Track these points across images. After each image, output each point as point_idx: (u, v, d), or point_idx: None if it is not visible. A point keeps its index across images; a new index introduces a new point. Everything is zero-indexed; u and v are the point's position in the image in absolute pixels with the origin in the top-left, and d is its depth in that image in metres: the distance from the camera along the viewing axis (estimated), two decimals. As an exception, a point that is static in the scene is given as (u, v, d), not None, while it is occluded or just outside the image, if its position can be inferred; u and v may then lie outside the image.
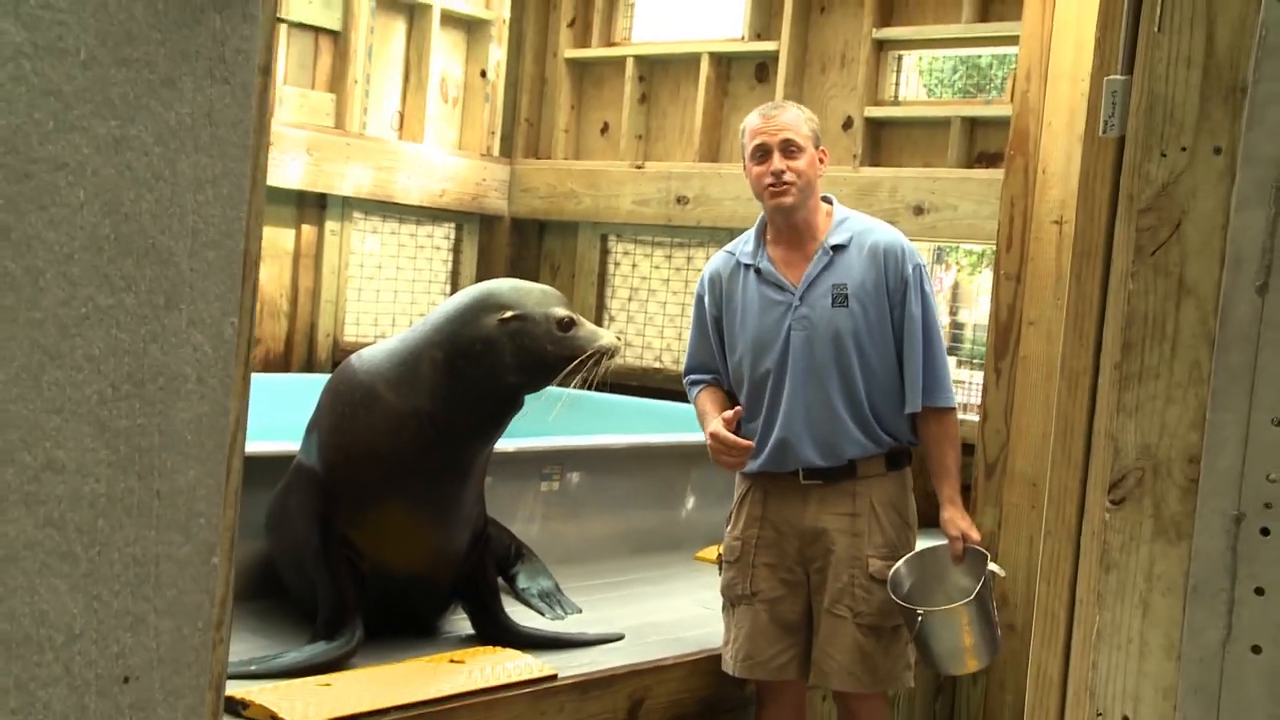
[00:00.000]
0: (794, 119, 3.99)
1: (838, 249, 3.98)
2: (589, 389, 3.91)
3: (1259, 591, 1.72)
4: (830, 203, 4.13)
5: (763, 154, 3.95)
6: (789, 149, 3.93)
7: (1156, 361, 1.85)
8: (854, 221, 4.07)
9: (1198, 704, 1.74)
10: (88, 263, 0.74)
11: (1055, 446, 2.00)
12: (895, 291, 3.96)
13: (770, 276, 4.00)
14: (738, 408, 3.92)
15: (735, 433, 3.86)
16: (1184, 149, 1.83)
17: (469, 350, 3.82)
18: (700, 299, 4.17)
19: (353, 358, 4.04)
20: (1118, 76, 1.91)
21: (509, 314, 3.82)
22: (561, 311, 3.88)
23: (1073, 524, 1.96)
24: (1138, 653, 1.85)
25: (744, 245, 4.12)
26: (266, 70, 0.92)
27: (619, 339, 3.99)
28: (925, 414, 3.99)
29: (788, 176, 3.91)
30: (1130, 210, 1.88)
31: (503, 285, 4.04)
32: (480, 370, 3.80)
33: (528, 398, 4.03)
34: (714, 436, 3.85)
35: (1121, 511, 1.86)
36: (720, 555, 4.15)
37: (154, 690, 0.79)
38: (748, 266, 4.04)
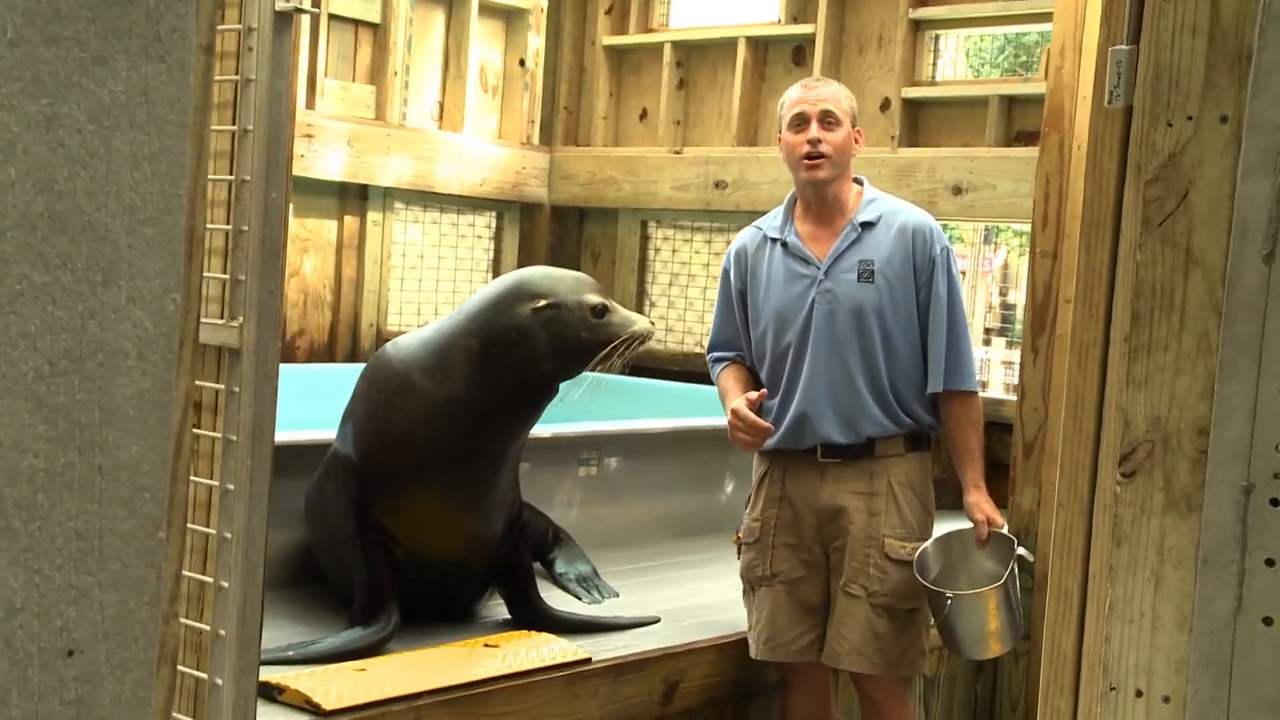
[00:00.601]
0: (834, 93, 4.00)
1: (866, 226, 3.97)
2: (623, 373, 3.93)
3: (1269, 563, 1.70)
4: (861, 184, 4.12)
5: (800, 123, 3.94)
6: (827, 120, 3.93)
7: (1165, 333, 1.83)
8: (884, 202, 4.06)
9: (1209, 676, 1.73)
10: (20, 240, 0.75)
11: (1066, 420, 1.99)
12: (922, 271, 3.95)
13: (796, 250, 3.99)
14: (763, 390, 3.91)
15: (756, 414, 3.87)
16: (1190, 118, 1.82)
17: (503, 338, 3.83)
18: (726, 273, 4.17)
19: (388, 346, 4.07)
20: (1123, 46, 1.90)
21: (543, 302, 3.84)
22: (595, 298, 3.89)
23: (1085, 498, 1.95)
24: (1150, 626, 1.84)
25: (772, 220, 4.12)
26: (209, 49, 0.93)
27: (652, 324, 4.00)
28: (948, 397, 3.97)
29: (823, 148, 3.90)
30: (1138, 181, 1.87)
31: (536, 273, 4.06)
32: (515, 358, 3.82)
33: (562, 384, 4.04)
34: (735, 414, 3.86)
35: (1132, 484, 1.85)
36: (739, 538, 4.14)
37: (99, 664, 0.80)
38: (774, 240, 4.04)
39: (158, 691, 0.96)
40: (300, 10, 2.81)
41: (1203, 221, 1.81)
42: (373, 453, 3.91)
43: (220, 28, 2.90)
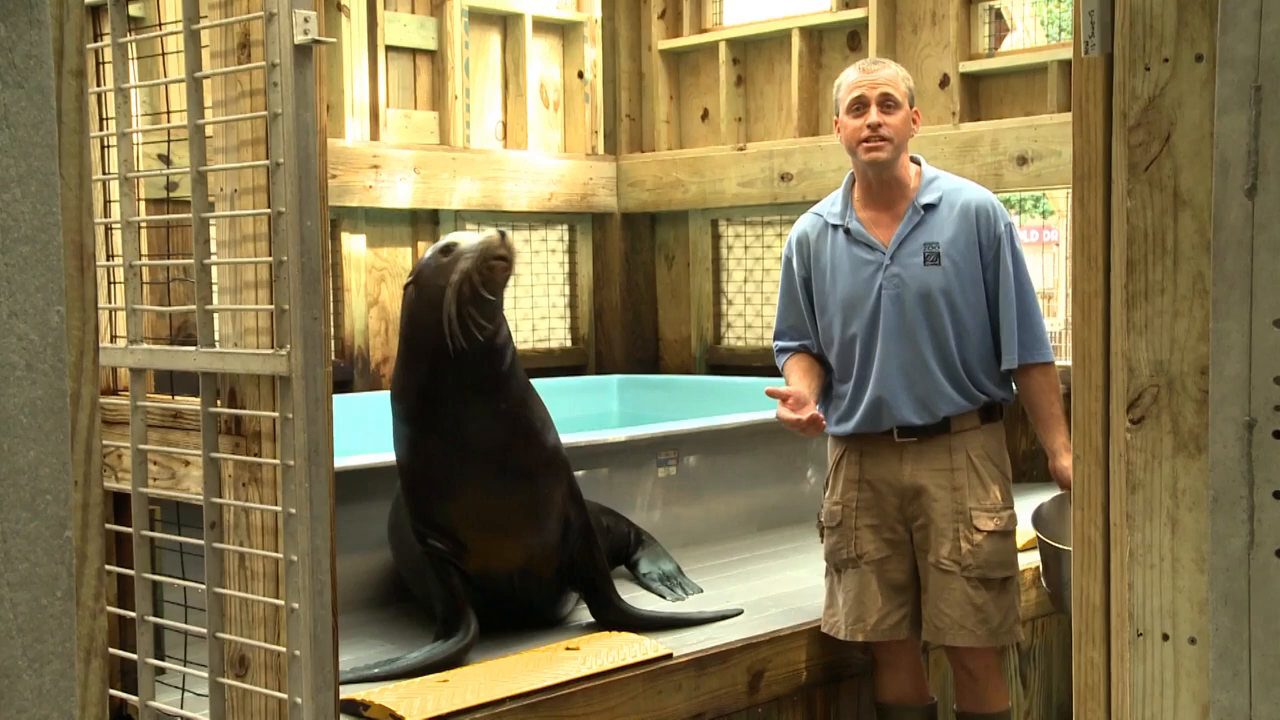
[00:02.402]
0: (892, 75, 3.99)
1: (928, 208, 3.96)
2: (493, 295, 3.90)
3: (1277, 495, 1.70)
4: (919, 164, 4.11)
5: (860, 107, 3.93)
6: (886, 103, 3.92)
7: (1161, 277, 1.84)
8: (943, 181, 4.06)
9: (1229, 613, 1.73)
10: (-102, 265, 0.81)
11: (1075, 372, 1.99)
12: (988, 249, 3.95)
13: (860, 236, 3.99)
14: (814, 413, 3.88)
15: (833, 397, 3.95)
16: (1166, 60, 1.82)
17: (407, 330, 4.06)
18: (788, 261, 4.17)
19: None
20: (1094, -5, 1.90)
21: (408, 281, 4.04)
22: (441, 243, 4.02)
23: (1100, 448, 1.95)
24: (1170, 570, 1.84)
25: (831, 206, 4.11)
26: (79, 73, 0.98)
27: (502, 232, 3.96)
28: (1026, 370, 3.96)
29: (884, 131, 3.90)
30: (1123, 127, 1.87)
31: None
32: (419, 336, 3.96)
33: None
34: (780, 419, 3.90)
35: (1141, 430, 1.86)
36: (821, 522, 4.15)
37: (16, 658, 0.86)
38: (836, 227, 4.04)
39: (89, 683, 1.02)
40: (319, 41, 2.89)
41: (1187, 162, 1.81)
42: (410, 471, 4.05)
43: (246, 66, 2.99)
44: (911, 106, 4.00)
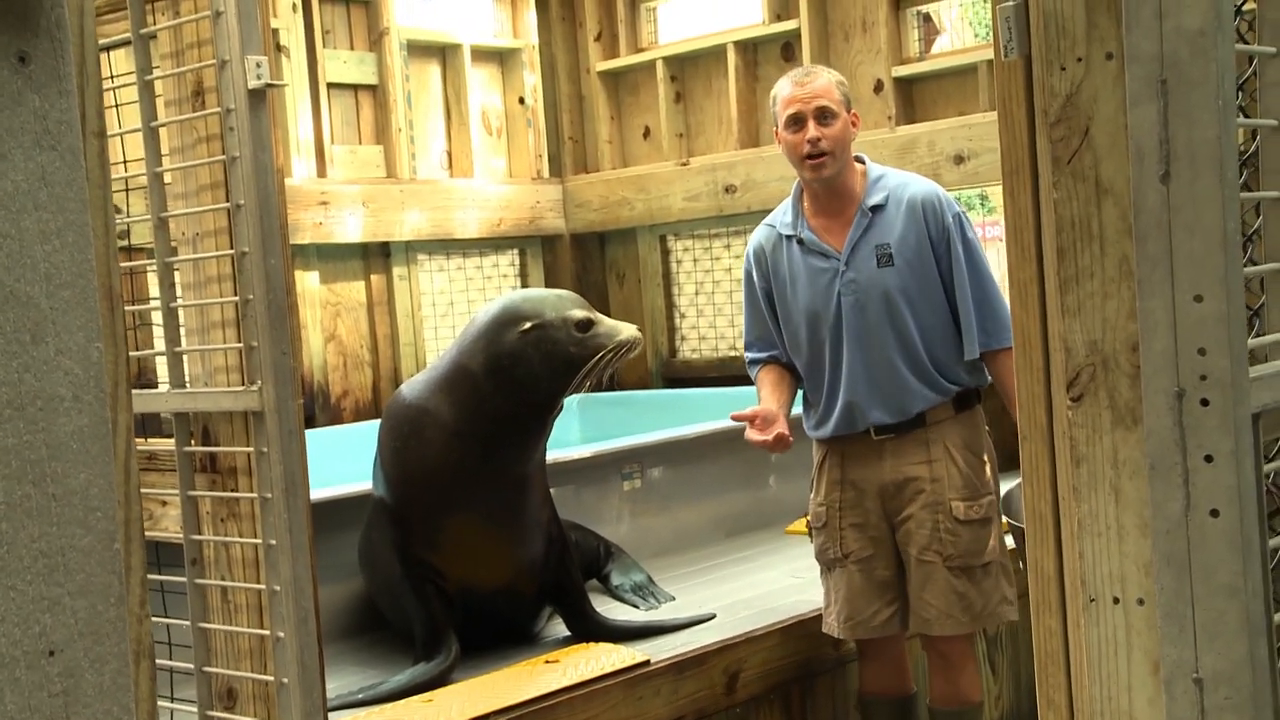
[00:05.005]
0: (825, 85, 3.99)
1: (876, 209, 4.00)
2: (609, 382, 4.09)
3: (1208, 459, 1.81)
4: (864, 162, 4.15)
5: (796, 123, 3.95)
6: (823, 116, 3.93)
7: (1089, 262, 1.95)
8: (889, 178, 4.08)
9: (1171, 573, 1.84)
10: (-45, 315, 0.91)
11: (1017, 356, 2.10)
12: (939, 243, 3.98)
13: (814, 245, 4.03)
14: (780, 432, 3.94)
15: (808, 402, 4.06)
16: (1080, 59, 1.94)
17: (498, 365, 4.00)
18: (749, 274, 4.21)
19: (402, 389, 4.25)
20: (1009, 2, 2.02)
21: (529, 324, 3.99)
22: (579, 313, 4.03)
23: (1044, 426, 2.06)
24: (1116, 537, 1.95)
25: (783, 216, 4.14)
26: (100, 134, 1.08)
27: (639, 331, 4.12)
28: (992, 356, 3.98)
29: (824, 145, 3.92)
30: (1045, 124, 1.99)
31: (518, 296, 4.22)
32: (513, 382, 3.97)
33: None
34: (749, 439, 3.96)
35: (1081, 407, 1.97)
36: (809, 523, 4.24)
37: (79, 660, 0.95)
38: (789, 238, 4.08)
39: (139, 682, 1.11)
40: (272, 85, 2.98)
41: (1106, 153, 1.93)
42: (403, 493, 4.08)
43: (202, 113, 3.08)
44: (849, 111, 4.03)
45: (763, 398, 4.10)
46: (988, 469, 4.07)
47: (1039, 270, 2.06)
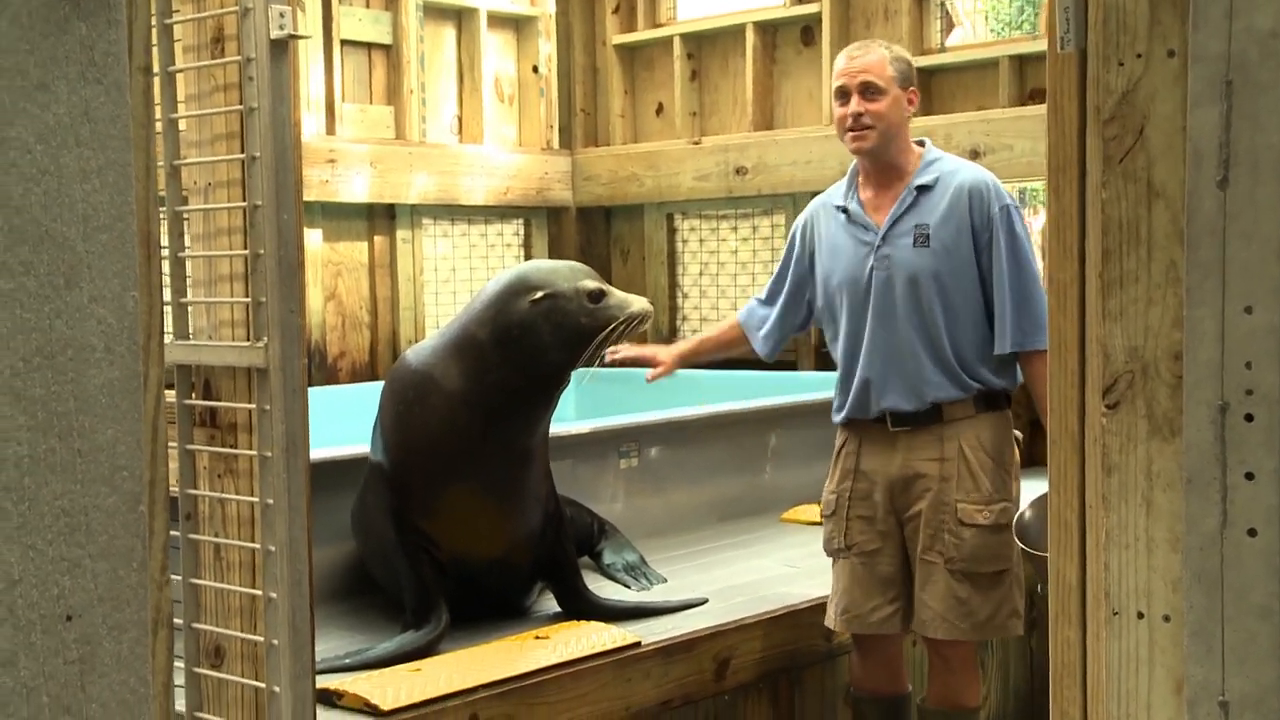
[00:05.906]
0: (875, 60, 3.96)
1: (923, 189, 3.94)
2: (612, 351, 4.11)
3: (1249, 476, 1.76)
4: (924, 145, 4.10)
5: (843, 96, 3.97)
6: (867, 91, 3.92)
7: (1135, 265, 1.90)
8: (944, 163, 4.03)
9: (1202, 590, 1.79)
10: (-15, 253, 0.85)
11: (1052, 359, 2.05)
12: (981, 232, 3.89)
13: (857, 217, 4.01)
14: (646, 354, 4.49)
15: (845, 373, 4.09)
16: (1139, 55, 1.88)
17: (508, 334, 3.94)
18: (793, 238, 4.27)
19: (407, 354, 4.20)
20: (1069, -8, 1.96)
21: (540, 294, 3.93)
22: (591, 284, 3.98)
23: (1075, 432, 2.01)
24: (1145, 549, 1.90)
25: (838, 188, 4.16)
26: (146, 70, 1.02)
27: (650, 304, 4.08)
28: (1027, 357, 3.88)
29: (866, 119, 3.91)
30: (1097, 121, 1.93)
31: (530, 267, 4.19)
32: (522, 352, 3.92)
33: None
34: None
35: (1117, 414, 1.91)
36: (821, 510, 4.19)
37: (97, 626, 0.90)
38: (839, 208, 4.08)
39: (157, 652, 1.06)
40: (295, 36, 2.92)
41: (1160, 155, 1.87)
42: (403, 459, 4.02)
43: (221, 60, 3.01)
44: (905, 88, 3.98)
45: (701, 337, 4.59)
46: (1006, 476, 3.96)
47: (1080, 271, 2.01)
